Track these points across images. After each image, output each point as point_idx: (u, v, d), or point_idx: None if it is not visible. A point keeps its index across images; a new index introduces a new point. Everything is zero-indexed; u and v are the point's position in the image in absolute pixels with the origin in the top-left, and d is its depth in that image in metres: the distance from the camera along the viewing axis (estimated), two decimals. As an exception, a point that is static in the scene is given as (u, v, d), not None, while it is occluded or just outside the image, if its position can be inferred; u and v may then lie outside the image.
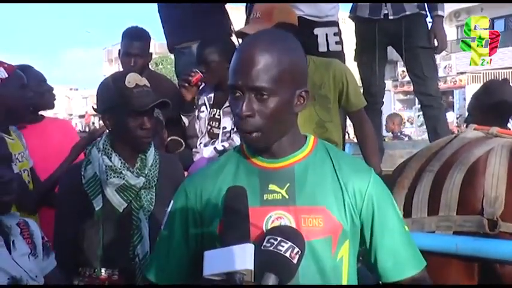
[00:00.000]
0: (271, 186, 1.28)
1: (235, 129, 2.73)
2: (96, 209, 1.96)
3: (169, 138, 2.86)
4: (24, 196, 2.26)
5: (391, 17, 3.52)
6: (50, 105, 2.93)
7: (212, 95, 2.87)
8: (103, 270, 1.96)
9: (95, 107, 2.08)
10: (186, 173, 2.43)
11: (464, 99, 22.71)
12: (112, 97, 1.97)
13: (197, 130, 2.90)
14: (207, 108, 2.88)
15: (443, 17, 3.67)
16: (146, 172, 2.01)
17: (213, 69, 2.75)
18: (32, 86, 2.66)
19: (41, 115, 2.91)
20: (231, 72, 1.25)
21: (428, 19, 3.69)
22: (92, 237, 1.96)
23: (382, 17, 3.53)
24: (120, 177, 1.96)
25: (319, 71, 2.72)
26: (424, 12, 3.63)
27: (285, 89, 1.24)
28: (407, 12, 3.52)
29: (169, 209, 1.39)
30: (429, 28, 3.65)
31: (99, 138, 2.12)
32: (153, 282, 1.40)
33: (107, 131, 2.09)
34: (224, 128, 2.78)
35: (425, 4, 3.63)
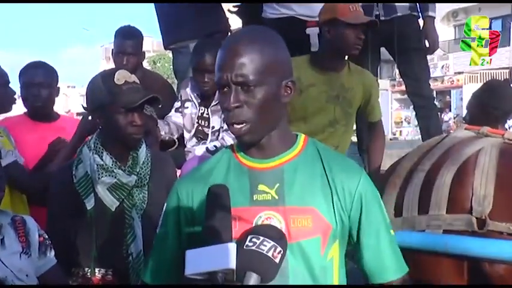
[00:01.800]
0: (261, 187, 1.28)
1: (224, 128, 2.74)
2: (88, 208, 1.94)
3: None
4: (27, 180, 2.37)
5: (382, 18, 3.51)
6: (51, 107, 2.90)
7: (199, 92, 2.86)
8: (96, 270, 1.95)
9: (85, 105, 2.06)
10: (178, 172, 2.43)
11: (462, 99, 22.73)
12: (101, 95, 1.95)
13: (182, 125, 2.90)
14: (194, 105, 2.87)
15: (434, 17, 3.67)
16: (138, 170, 1.99)
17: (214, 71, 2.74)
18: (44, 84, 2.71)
19: (57, 113, 2.93)
20: (217, 69, 1.27)
21: (421, 20, 3.70)
22: (84, 237, 1.95)
23: (373, 17, 3.52)
24: (112, 176, 1.95)
25: (351, 75, 2.84)
26: (415, 13, 3.63)
27: (270, 80, 1.25)
28: (399, 14, 3.53)
29: (163, 211, 1.40)
30: (421, 29, 3.66)
31: (89, 137, 2.11)
32: (147, 283, 1.41)
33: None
34: (213, 127, 2.78)
35: (417, 5, 3.63)
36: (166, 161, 2.19)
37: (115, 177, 1.95)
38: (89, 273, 1.95)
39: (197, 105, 2.86)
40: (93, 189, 1.95)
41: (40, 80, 2.70)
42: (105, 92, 1.94)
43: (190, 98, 2.88)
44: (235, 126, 1.26)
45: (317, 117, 2.81)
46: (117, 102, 1.93)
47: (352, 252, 1.36)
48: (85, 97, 2.05)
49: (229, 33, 3.66)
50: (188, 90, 2.89)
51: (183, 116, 2.89)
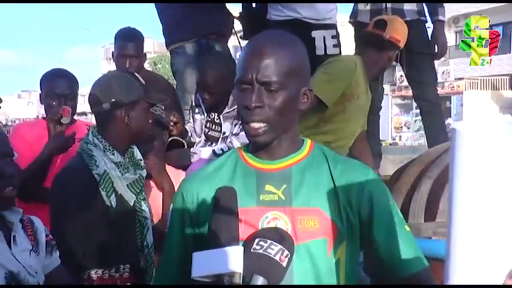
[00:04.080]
0: (268, 187, 1.28)
1: (233, 132, 2.74)
2: (114, 206, 1.93)
3: (170, 139, 2.85)
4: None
5: None
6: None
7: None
8: (114, 269, 1.93)
9: (102, 100, 1.97)
10: (184, 173, 2.43)
11: (462, 105, 22.76)
12: (138, 91, 1.99)
13: (193, 131, 2.90)
14: (202, 112, 2.87)
15: (444, 22, 3.66)
16: (142, 165, 2.05)
17: (217, 94, 2.76)
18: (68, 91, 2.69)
19: (73, 118, 2.90)
20: (240, 66, 1.27)
21: (428, 24, 3.69)
22: (107, 236, 1.92)
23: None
24: (129, 172, 1.98)
25: (368, 90, 2.97)
26: (423, 18, 3.62)
27: (292, 84, 1.26)
28: (407, 19, 3.51)
29: (169, 212, 1.40)
30: (428, 34, 3.65)
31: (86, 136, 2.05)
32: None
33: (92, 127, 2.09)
34: (224, 133, 2.78)
35: (426, 9, 3.62)
36: None
37: (135, 173, 1.99)
38: (106, 275, 1.92)
39: (205, 111, 2.86)
40: (113, 187, 1.95)
41: (65, 92, 2.66)
42: (141, 88, 2.00)
43: (199, 104, 2.88)
44: (252, 125, 1.25)
45: (353, 123, 2.91)
46: (150, 99, 2.01)
47: (365, 252, 1.33)
48: (110, 91, 1.97)
49: (227, 36, 3.66)
50: (197, 96, 2.89)
51: (194, 121, 2.90)
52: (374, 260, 1.31)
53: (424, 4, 3.64)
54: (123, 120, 1.97)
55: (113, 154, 1.96)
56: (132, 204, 1.98)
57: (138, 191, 2.01)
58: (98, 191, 1.92)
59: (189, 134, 2.90)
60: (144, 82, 2.02)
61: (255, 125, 1.25)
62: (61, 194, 1.95)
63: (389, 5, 3.52)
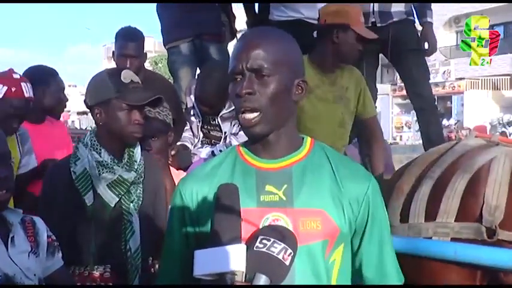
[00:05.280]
0: (268, 187, 1.26)
1: (232, 131, 2.73)
2: (88, 204, 1.94)
3: (178, 143, 2.85)
4: None
5: (378, 25, 3.47)
6: (60, 112, 2.94)
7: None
8: (95, 267, 1.94)
9: (86, 100, 2.05)
10: (184, 174, 2.42)
11: (463, 105, 22.77)
12: (107, 91, 1.97)
13: (191, 137, 2.90)
14: (197, 113, 2.87)
15: (432, 23, 3.64)
16: (136, 167, 2.02)
17: (215, 107, 2.75)
18: (53, 92, 2.78)
19: (44, 116, 2.92)
20: (232, 59, 1.27)
21: (417, 24, 3.68)
22: (83, 234, 1.94)
23: (370, 25, 3.42)
24: (112, 172, 1.96)
25: (345, 75, 2.86)
26: (411, 17, 3.61)
27: (283, 73, 1.26)
28: (395, 19, 3.50)
29: (168, 212, 1.39)
30: (418, 32, 3.63)
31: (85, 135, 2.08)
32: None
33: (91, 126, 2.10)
34: (225, 132, 2.78)
35: (413, 10, 3.61)
36: (155, 164, 2.21)
37: (114, 173, 1.97)
38: (86, 272, 1.94)
39: (199, 114, 2.85)
40: (92, 185, 1.96)
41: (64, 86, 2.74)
42: (112, 88, 1.96)
43: (194, 106, 2.87)
44: (246, 115, 1.24)
45: (327, 118, 2.82)
46: (125, 99, 1.96)
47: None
48: (86, 92, 2.05)
49: (222, 36, 3.66)
50: (192, 97, 2.88)
51: (191, 123, 2.90)
52: (357, 267, 1.33)
53: (412, 6, 3.62)
54: (97, 120, 2.00)
55: (99, 153, 1.97)
56: (113, 205, 1.96)
57: (123, 192, 1.98)
58: (75, 188, 1.95)
59: (190, 147, 2.88)
60: (128, 81, 1.98)
61: (248, 115, 1.24)
62: (42, 189, 2.06)
63: (376, 8, 3.50)
